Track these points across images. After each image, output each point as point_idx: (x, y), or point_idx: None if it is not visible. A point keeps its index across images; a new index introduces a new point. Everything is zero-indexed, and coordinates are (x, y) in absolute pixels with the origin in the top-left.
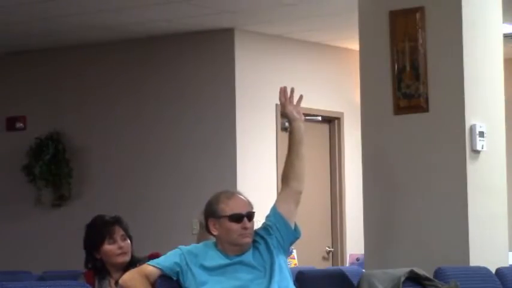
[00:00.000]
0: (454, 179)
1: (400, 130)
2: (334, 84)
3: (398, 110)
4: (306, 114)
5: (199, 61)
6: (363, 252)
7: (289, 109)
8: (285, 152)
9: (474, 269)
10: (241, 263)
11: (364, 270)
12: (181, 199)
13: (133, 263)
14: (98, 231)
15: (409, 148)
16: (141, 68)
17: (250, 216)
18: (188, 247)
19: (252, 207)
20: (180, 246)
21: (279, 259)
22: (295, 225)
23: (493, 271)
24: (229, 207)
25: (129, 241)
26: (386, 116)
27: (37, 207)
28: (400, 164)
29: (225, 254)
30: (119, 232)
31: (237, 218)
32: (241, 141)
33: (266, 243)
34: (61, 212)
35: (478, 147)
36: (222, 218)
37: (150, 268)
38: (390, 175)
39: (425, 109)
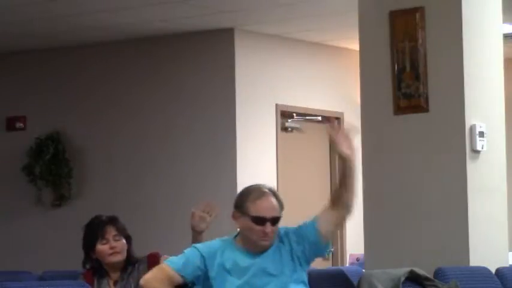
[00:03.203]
0: (454, 179)
1: (400, 130)
2: (334, 84)
3: (398, 110)
4: (306, 114)
5: (199, 61)
6: (363, 252)
7: (340, 147)
8: (285, 151)
9: (474, 269)
10: (259, 267)
11: (364, 270)
12: (181, 199)
13: (132, 262)
14: (92, 232)
15: (409, 148)
16: (141, 68)
17: (274, 221)
18: (206, 246)
19: (278, 212)
20: (197, 246)
21: (303, 275)
22: (327, 244)
23: (493, 271)
24: (255, 208)
25: (123, 241)
26: (386, 116)
27: (37, 207)
28: (400, 164)
29: (245, 250)
30: (110, 232)
31: (259, 221)
32: (241, 141)
33: (291, 249)
34: (61, 212)
35: (478, 147)
36: (246, 215)
37: (172, 273)
38: (390, 175)
39: (425, 109)
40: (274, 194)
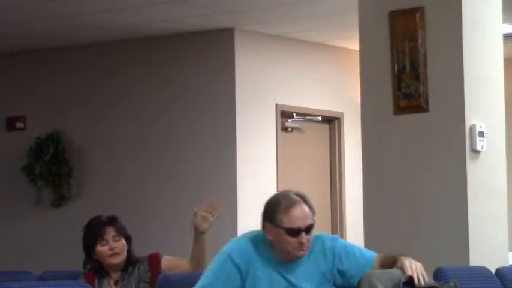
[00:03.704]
0: (454, 179)
1: (400, 130)
2: (334, 84)
3: (398, 110)
4: (306, 114)
5: (199, 61)
6: None
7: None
8: (285, 151)
9: (474, 269)
10: (289, 281)
11: None
12: (181, 199)
13: (133, 262)
14: (91, 233)
15: (409, 148)
16: (140, 68)
17: (308, 229)
18: (239, 252)
19: (311, 219)
20: (231, 255)
21: None
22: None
23: (493, 271)
24: (288, 219)
25: (123, 241)
26: (386, 116)
27: (37, 207)
28: (400, 164)
29: (278, 258)
30: (109, 233)
31: (294, 233)
32: (241, 141)
33: (332, 268)
34: (61, 212)
35: (478, 147)
36: (280, 228)
37: None
38: (390, 175)
39: (425, 109)
40: (304, 199)
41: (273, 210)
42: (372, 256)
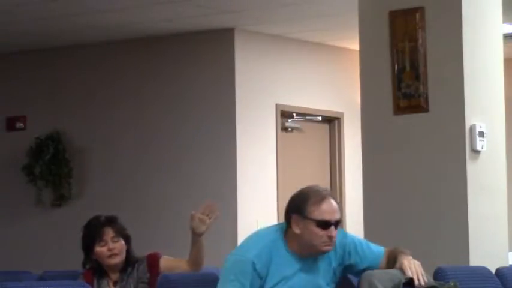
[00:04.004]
0: (454, 179)
1: (400, 130)
2: (334, 84)
3: (398, 110)
4: (306, 114)
5: (199, 61)
6: None
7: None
8: (285, 151)
9: (474, 269)
10: (308, 278)
11: None
12: (181, 199)
13: (132, 263)
14: (90, 233)
15: (409, 148)
16: (140, 68)
17: (337, 224)
18: (257, 257)
19: (340, 214)
20: (252, 260)
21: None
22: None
23: (493, 271)
24: (319, 212)
25: (122, 242)
26: (386, 116)
27: (37, 207)
28: (400, 164)
29: (297, 255)
30: (108, 234)
31: (324, 225)
32: (241, 141)
33: (339, 264)
34: (61, 212)
35: (478, 147)
36: (308, 220)
37: None
38: (390, 175)
39: (425, 109)
40: (332, 196)
41: (302, 202)
42: (380, 252)
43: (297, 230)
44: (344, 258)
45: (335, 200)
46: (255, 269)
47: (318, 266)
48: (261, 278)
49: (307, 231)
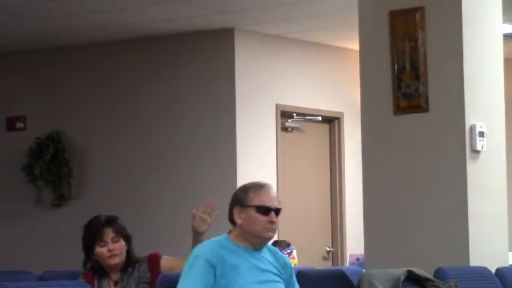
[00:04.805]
0: (454, 179)
1: (400, 130)
2: (334, 84)
3: (398, 110)
4: (306, 114)
5: (199, 61)
6: (363, 252)
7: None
8: (285, 151)
9: (474, 269)
10: (258, 267)
11: (364, 270)
12: (181, 199)
13: (132, 263)
14: (90, 234)
15: (409, 148)
16: (141, 68)
17: (277, 211)
18: (207, 252)
19: (280, 204)
20: (203, 255)
21: None
22: None
23: (493, 271)
24: (259, 198)
25: (122, 242)
26: (386, 116)
27: (37, 207)
28: (400, 164)
29: (244, 248)
30: (108, 234)
31: (264, 211)
32: (241, 141)
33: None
34: (61, 212)
35: (478, 147)
36: (249, 207)
37: None
38: (390, 175)
39: (425, 109)
40: (272, 188)
41: (242, 193)
42: None
43: (239, 221)
44: (281, 272)
45: (274, 191)
46: (207, 260)
47: (266, 259)
48: (213, 266)
49: (248, 218)
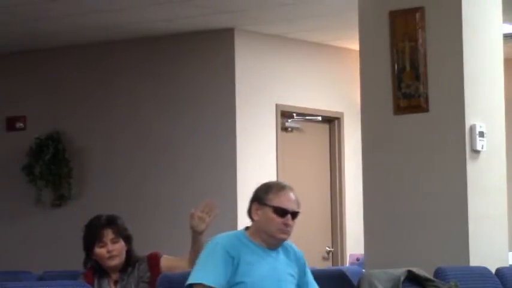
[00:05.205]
0: (454, 179)
1: (400, 130)
2: (334, 84)
3: (398, 110)
4: (306, 114)
5: (199, 61)
6: (363, 252)
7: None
8: (285, 151)
9: (474, 269)
10: (271, 260)
11: (364, 270)
12: (181, 199)
13: (133, 262)
14: (89, 234)
15: (409, 148)
16: (141, 68)
17: (294, 214)
18: (226, 242)
19: (299, 208)
20: (223, 244)
21: None
22: None
23: (493, 271)
24: (278, 199)
25: (122, 243)
26: (386, 116)
27: (37, 207)
28: (400, 164)
29: (260, 246)
30: (108, 235)
31: (281, 212)
32: (241, 141)
33: (294, 264)
34: (61, 212)
35: (478, 147)
36: (267, 206)
37: None
38: (390, 175)
39: (425, 109)
40: (293, 190)
41: (263, 192)
42: None
43: (256, 217)
44: (300, 271)
45: (295, 194)
46: (227, 251)
47: (280, 259)
48: (232, 257)
49: (264, 217)
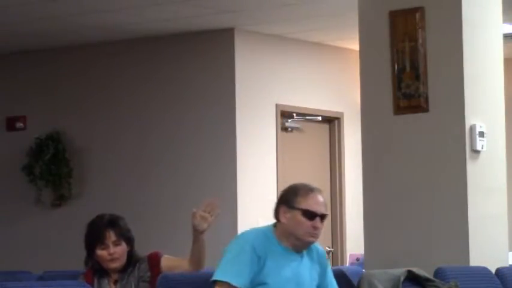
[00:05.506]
0: (454, 179)
1: (400, 130)
2: (334, 84)
3: (398, 110)
4: (306, 114)
5: (199, 61)
6: (363, 252)
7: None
8: (285, 151)
9: (474, 269)
10: (295, 263)
11: (364, 270)
12: (182, 199)
13: (133, 263)
14: (92, 235)
15: (409, 148)
16: (141, 68)
17: (323, 217)
18: (255, 240)
19: (327, 210)
20: (251, 242)
21: None
22: None
23: (493, 271)
24: (306, 202)
25: (123, 246)
26: (386, 116)
27: (37, 207)
28: (400, 164)
29: (285, 248)
30: (110, 238)
31: (310, 215)
32: (241, 141)
33: (317, 266)
34: (61, 212)
35: (478, 147)
36: (296, 209)
37: None
38: (390, 175)
39: (425, 109)
40: (321, 192)
41: (291, 194)
42: None
43: (283, 220)
44: (321, 271)
45: (323, 196)
46: (254, 249)
47: (304, 263)
48: (258, 257)
49: (293, 220)
